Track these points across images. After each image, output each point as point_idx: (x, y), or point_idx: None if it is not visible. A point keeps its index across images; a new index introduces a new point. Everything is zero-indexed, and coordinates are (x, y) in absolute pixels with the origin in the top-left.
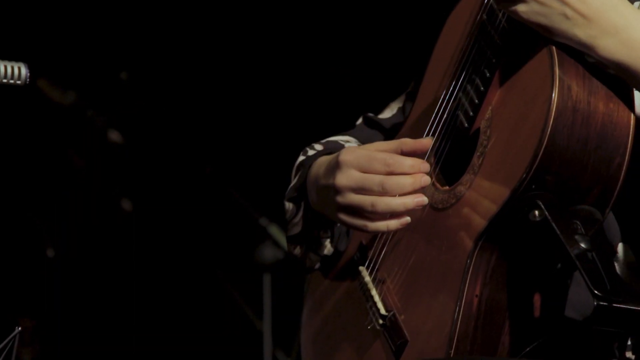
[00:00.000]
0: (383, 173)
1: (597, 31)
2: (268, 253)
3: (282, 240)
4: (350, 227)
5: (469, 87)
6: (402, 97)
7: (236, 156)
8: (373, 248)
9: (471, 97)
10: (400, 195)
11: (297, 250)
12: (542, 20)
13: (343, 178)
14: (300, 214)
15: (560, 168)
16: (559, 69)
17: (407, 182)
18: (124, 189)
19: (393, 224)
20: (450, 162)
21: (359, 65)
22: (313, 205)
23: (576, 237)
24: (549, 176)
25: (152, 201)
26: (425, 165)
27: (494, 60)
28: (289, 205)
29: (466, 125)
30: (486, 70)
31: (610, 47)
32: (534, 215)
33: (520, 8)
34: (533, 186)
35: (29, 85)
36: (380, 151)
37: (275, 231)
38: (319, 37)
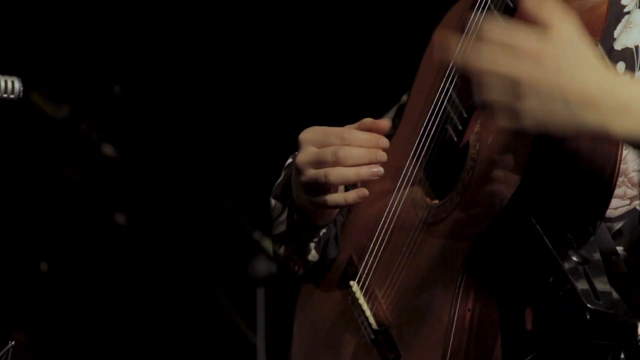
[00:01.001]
0: (339, 145)
1: (605, 115)
2: (261, 267)
3: None
4: (314, 205)
5: (457, 100)
6: (394, 110)
7: (230, 169)
8: (364, 261)
9: (460, 110)
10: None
11: (282, 250)
12: (548, 118)
13: (302, 155)
14: (286, 212)
15: (551, 183)
16: None
17: (361, 152)
18: (117, 203)
19: (351, 195)
20: (440, 176)
21: (354, 74)
22: (296, 199)
23: (568, 251)
24: (540, 190)
25: (146, 215)
26: (383, 141)
27: None
28: (274, 203)
29: (455, 139)
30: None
31: (624, 125)
32: (525, 229)
33: (524, 117)
34: (524, 201)
35: (23, 99)
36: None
37: (268, 245)
38: (308, 48)
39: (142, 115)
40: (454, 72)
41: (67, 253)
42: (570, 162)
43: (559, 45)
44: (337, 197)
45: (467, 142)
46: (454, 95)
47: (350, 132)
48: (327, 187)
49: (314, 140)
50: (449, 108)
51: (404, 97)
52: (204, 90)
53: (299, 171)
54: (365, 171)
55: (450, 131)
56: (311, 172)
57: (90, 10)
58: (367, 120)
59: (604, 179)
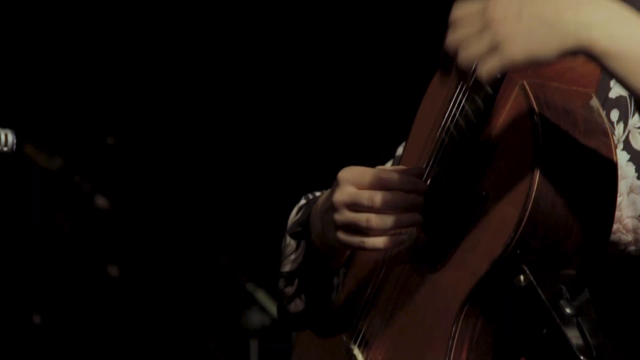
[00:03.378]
0: (376, 188)
1: (581, 27)
2: (255, 318)
3: (269, 305)
4: (348, 245)
5: (452, 149)
6: (389, 164)
7: (223, 222)
8: (360, 308)
9: (455, 160)
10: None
11: (288, 289)
12: (529, 42)
13: (339, 194)
14: (299, 251)
15: (545, 233)
16: (542, 133)
17: (398, 198)
18: (111, 255)
19: (390, 240)
20: (435, 226)
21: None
22: (316, 239)
23: (561, 302)
24: (534, 241)
25: (139, 267)
26: (421, 185)
27: (477, 126)
28: (289, 240)
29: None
30: (470, 136)
31: (601, 39)
32: (519, 280)
33: (507, 53)
34: (518, 251)
35: (16, 151)
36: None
37: (262, 297)
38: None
39: (136, 167)
40: (448, 127)
41: (60, 305)
42: (565, 212)
43: None
44: (376, 241)
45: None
46: (453, 132)
47: (388, 173)
48: (367, 232)
49: (352, 180)
50: (447, 143)
51: (399, 149)
52: (194, 142)
53: (334, 209)
54: (406, 219)
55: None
56: (350, 215)
57: (82, 61)
58: (400, 167)
59: (599, 229)
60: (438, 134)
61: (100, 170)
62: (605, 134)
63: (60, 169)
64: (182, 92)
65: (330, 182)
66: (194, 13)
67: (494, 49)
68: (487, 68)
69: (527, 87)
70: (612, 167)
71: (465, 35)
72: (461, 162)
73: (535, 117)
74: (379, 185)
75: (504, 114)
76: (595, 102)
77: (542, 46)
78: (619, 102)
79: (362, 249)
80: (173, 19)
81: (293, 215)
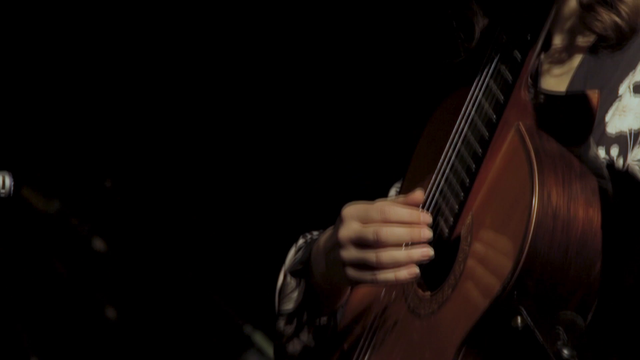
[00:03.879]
0: (380, 223)
1: None
2: None
3: (267, 348)
4: (359, 282)
5: (449, 193)
6: (399, 185)
7: (220, 263)
8: (358, 347)
9: (451, 204)
10: (403, 244)
11: (288, 329)
12: None
13: (344, 231)
14: (299, 290)
15: (542, 275)
16: (538, 175)
17: (402, 231)
18: (107, 297)
19: (402, 274)
20: (432, 269)
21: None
22: (320, 277)
23: (558, 344)
24: (531, 283)
25: (137, 309)
26: (425, 217)
27: (473, 169)
28: (289, 279)
29: (447, 233)
30: (466, 179)
31: None
32: (516, 322)
33: None
34: (515, 293)
35: (14, 194)
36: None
37: (259, 339)
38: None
39: (133, 210)
40: (445, 169)
41: (57, 348)
42: (561, 253)
43: None
44: (388, 275)
45: (459, 235)
46: (445, 190)
47: (391, 208)
48: (377, 267)
49: (356, 216)
50: (440, 201)
51: (392, 191)
52: (190, 186)
53: (340, 247)
54: (416, 254)
55: (442, 225)
56: (357, 253)
57: (79, 104)
58: (400, 198)
59: (594, 274)
60: (437, 172)
61: (98, 212)
62: (601, 176)
63: (58, 212)
64: (178, 137)
65: (328, 220)
66: (187, 57)
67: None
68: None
69: (523, 130)
70: (608, 208)
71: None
72: (458, 201)
73: (531, 159)
74: (383, 219)
75: (500, 155)
76: (591, 142)
77: None
78: (619, 139)
79: (374, 283)
80: (168, 60)
81: (292, 255)
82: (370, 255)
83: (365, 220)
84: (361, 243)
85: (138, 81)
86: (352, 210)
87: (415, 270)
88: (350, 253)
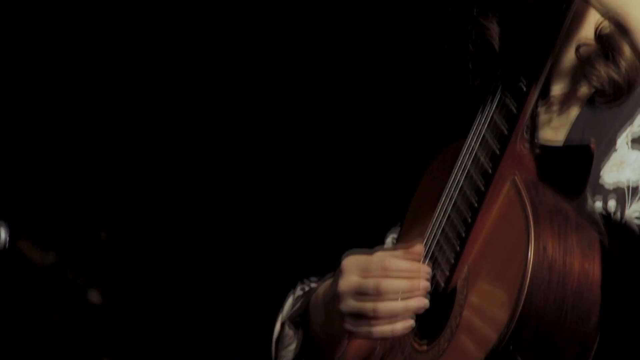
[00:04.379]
0: (380, 276)
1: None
2: None
3: None
4: (356, 334)
5: (445, 245)
6: (397, 230)
7: (216, 318)
8: None
9: (447, 256)
10: (402, 298)
11: None
12: None
13: (344, 283)
14: (296, 342)
15: (538, 327)
16: (534, 228)
17: (402, 283)
18: (103, 350)
19: (398, 327)
20: (428, 321)
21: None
22: (318, 328)
23: None
24: (527, 335)
25: None
26: (425, 269)
27: (469, 220)
28: (287, 330)
29: (443, 286)
30: (462, 230)
31: None
32: None
33: None
34: (511, 345)
35: (9, 247)
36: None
37: None
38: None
39: (129, 262)
40: (441, 220)
41: None
42: (557, 306)
43: None
44: (384, 329)
45: (455, 288)
46: (441, 241)
47: (391, 261)
48: (374, 320)
49: (356, 268)
50: (436, 254)
51: (388, 239)
52: (185, 241)
53: (339, 299)
54: (413, 304)
55: (438, 277)
56: (355, 304)
57: (74, 156)
58: (400, 250)
59: (590, 326)
60: (433, 223)
61: (94, 265)
62: (597, 230)
63: (54, 264)
64: (172, 189)
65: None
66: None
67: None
68: None
69: (519, 182)
70: (604, 262)
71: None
72: (454, 253)
73: (527, 211)
74: (383, 272)
75: (496, 207)
76: (587, 195)
77: None
78: (616, 192)
79: (370, 338)
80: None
81: (290, 303)
82: (368, 306)
83: (365, 272)
84: (361, 295)
85: (131, 133)
86: (352, 262)
87: (412, 322)
88: (348, 304)
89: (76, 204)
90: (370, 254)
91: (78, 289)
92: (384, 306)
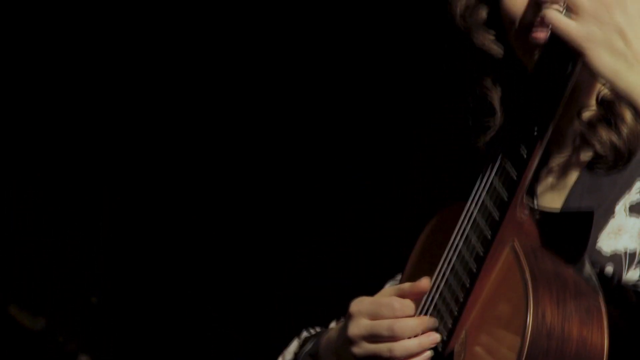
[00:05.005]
0: (391, 317)
1: None
2: None
3: None
4: None
5: (443, 309)
6: (396, 281)
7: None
8: None
9: (445, 320)
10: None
11: None
12: (593, 48)
13: (354, 328)
14: None
15: None
16: (533, 295)
17: (415, 323)
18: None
19: None
20: None
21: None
22: None
23: None
24: None
25: None
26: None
27: (467, 285)
28: None
29: (440, 348)
30: (460, 295)
31: None
32: None
33: (571, 26)
34: None
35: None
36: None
37: None
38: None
39: (120, 326)
40: (440, 284)
41: None
42: None
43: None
44: None
45: (452, 351)
46: (440, 305)
47: (400, 302)
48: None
49: (366, 313)
50: (434, 316)
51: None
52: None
53: (351, 343)
54: (426, 341)
55: None
56: (370, 347)
57: (64, 221)
58: (406, 286)
59: None
60: (431, 287)
61: (84, 329)
62: (595, 297)
63: (44, 329)
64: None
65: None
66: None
67: (590, 33)
68: (564, 32)
69: (518, 248)
70: (602, 329)
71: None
72: (452, 317)
73: (526, 278)
74: (394, 314)
75: (495, 273)
76: (585, 261)
77: (600, 59)
78: (614, 259)
79: None
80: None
81: (295, 346)
82: (384, 348)
83: (375, 317)
84: (374, 337)
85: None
86: (361, 307)
87: (429, 355)
88: (363, 347)
89: (66, 269)
90: (377, 299)
91: (68, 354)
92: (400, 346)
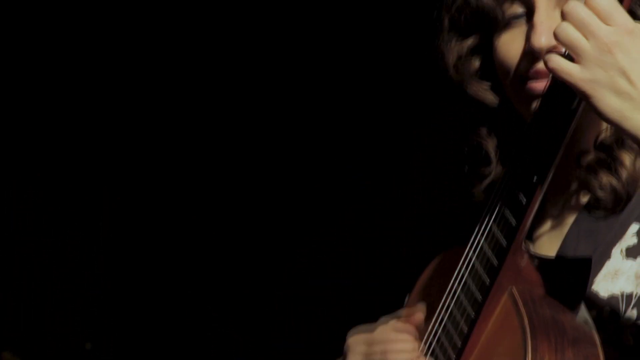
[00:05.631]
0: (386, 342)
1: None
2: None
3: None
4: None
5: (440, 355)
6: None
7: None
8: None
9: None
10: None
11: None
12: (597, 90)
13: (353, 357)
14: None
15: None
16: (531, 341)
17: (409, 345)
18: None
19: None
20: None
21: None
22: None
23: None
24: None
25: None
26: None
27: (465, 331)
28: None
29: None
30: (458, 341)
31: None
32: None
33: (574, 71)
34: None
35: None
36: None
37: None
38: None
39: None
40: (438, 329)
41: None
42: None
43: None
44: None
45: None
46: (437, 351)
47: (394, 327)
48: None
49: (362, 341)
50: (437, 350)
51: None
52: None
53: None
54: None
55: None
56: None
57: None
58: (403, 315)
59: None
60: (429, 333)
61: None
62: (593, 344)
63: None
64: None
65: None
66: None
67: (595, 77)
68: (569, 77)
69: (516, 294)
70: None
71: (579, 41)
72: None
73: (525, 325)
74: (388, 338)
75: (493, 319)
76: (582, 307)
77: (605, 102)
78: (610, 301)
79: None
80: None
81: None
82: None
83: (372, 343)
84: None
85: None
86: (357, 338)
87: None
88: None
89: (60, 314)
90: (373, 329)
91: None
92: None
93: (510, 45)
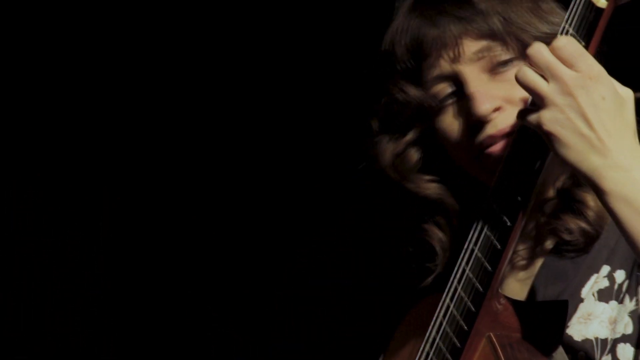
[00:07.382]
0: None
1: (610, 162)
2: None
3: None
4: None
5: None
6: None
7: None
8: None
9: None
10: None
11: None
12: (558, 131)
13: None
14: None
15: None
16: None
17: None
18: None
19: None
20: None
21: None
22: None
23: None
24: None
25: None
26: None
27: None
28: None
29: None
30: None
31: (618, 180)
32: None
33: (536, 115)
34: None
35: None
36: None
37: None
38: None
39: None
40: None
41: None
42: None
43: (610, 88)
44: None
45: None
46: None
47: None
48: None
49: None
50: None
51: None
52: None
53: None
54: None
55: None
56: None
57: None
58: None
59: None
60: None
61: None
62: None
63: None
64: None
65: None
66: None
67: (556, 117)
68: (532, 121)
69: (494, 339)
70: None
71: (539, 84)
72: None
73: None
74: None
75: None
76: (559, 351)
77: (564, 146)
78: (585, 345)
79: None
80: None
81: None
82: None
83: None
84: None
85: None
86: None
87: None
88: None
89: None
90: None
91: None
92: None
93: (454, 124)
